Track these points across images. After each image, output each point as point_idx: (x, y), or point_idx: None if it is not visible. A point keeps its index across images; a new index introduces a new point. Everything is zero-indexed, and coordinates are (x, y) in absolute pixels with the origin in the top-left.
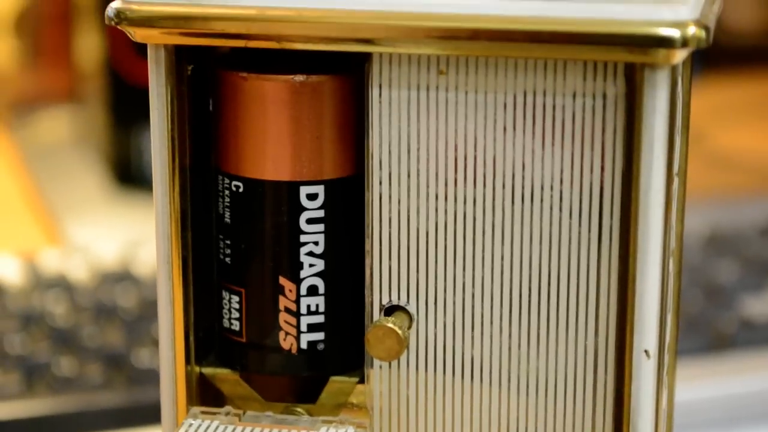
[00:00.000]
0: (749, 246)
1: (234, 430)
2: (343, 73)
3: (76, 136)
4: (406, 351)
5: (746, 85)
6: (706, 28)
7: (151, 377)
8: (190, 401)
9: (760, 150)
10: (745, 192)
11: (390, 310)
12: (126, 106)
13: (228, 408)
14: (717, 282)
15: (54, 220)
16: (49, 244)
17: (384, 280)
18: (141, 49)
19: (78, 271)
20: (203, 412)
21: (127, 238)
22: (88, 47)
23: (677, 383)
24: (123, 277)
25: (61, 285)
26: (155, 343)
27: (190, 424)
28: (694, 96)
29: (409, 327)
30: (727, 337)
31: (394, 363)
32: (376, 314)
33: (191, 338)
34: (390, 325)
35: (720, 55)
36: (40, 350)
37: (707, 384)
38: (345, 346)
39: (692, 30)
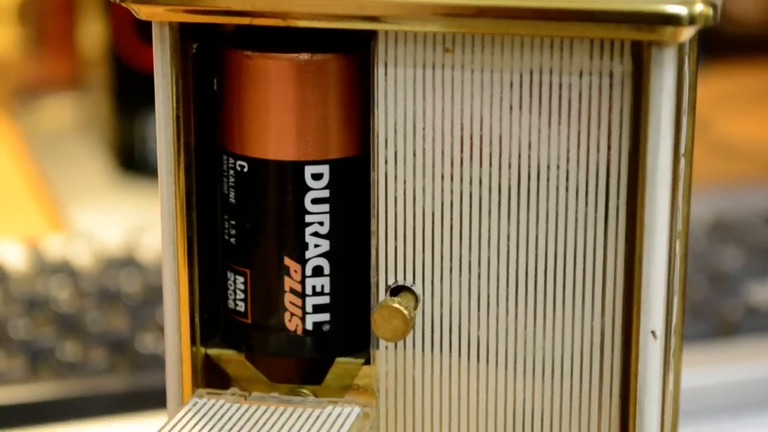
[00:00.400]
0: (754, 233)
1: (240, 407)
2: (349, 52)
3: (79, 123)
4: (412, 332)
5: (750, 73)
6: (714, 6)
7: (155, 362)
8: (196, 383)
9: (764, 138)
10: (749, 180)
11: (396, 291)
12: (129, 92)
13: (234, 389)
14: (722, 269)
15: (58, 206)
16: (53, 230)
17: (390, 261)
18: (144, 34)
19: (82, 256)
20: (209, 393)
21: (131, 224)
22: (91, 34)
23: (683, 370)
24: (127, 262)
25: (65, 270)
26: (159, 328)
27: (195, 403)
28: (699, 85)
29: (415, 307)
30: (731, 324)
31: (400, 344)
32: (382, 295)
33: (196, 319)
34: (396, 305)
35: (724, 43)
36: (44, 335)
37: (712, 370)
38: (350, 327)
39: (699, 7)
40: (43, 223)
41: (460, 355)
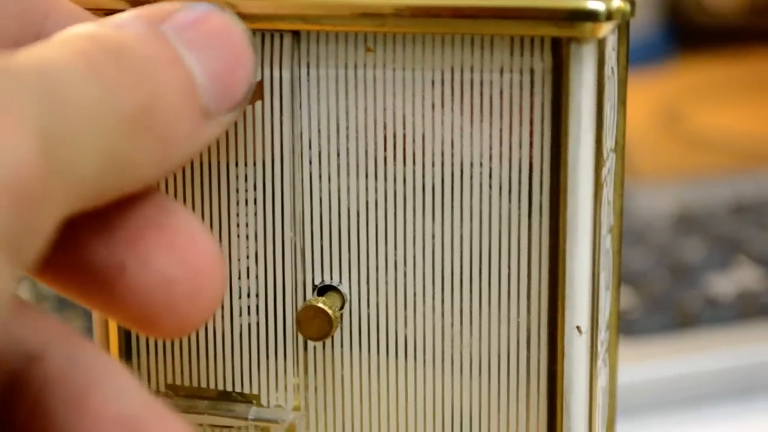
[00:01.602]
0: (718, 225)
1: None
2: None
3: None
4: (339, 331)
5: (723, 64)
6: (631, 2)
7: None
8: None
9: (736, 129)
10: (718, 171)
11: (323, 290)
12: None
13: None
14: (684, 260)
15: None
16: None
17: (316, 261)
18: None
19: None
20: None
21: None
22: None
23: (643, 362)
24: None
25: None
26: None
27: None
28: (672, 76)
29: (342, 307)
30: (691, 316)
31: (328, 343)
32: (309, 295)
33: None
34: (320, 305)
35: (698, 35)
36: None
37: (672, 362)
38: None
39: (616, 3)
40: None
41: (387, 354)
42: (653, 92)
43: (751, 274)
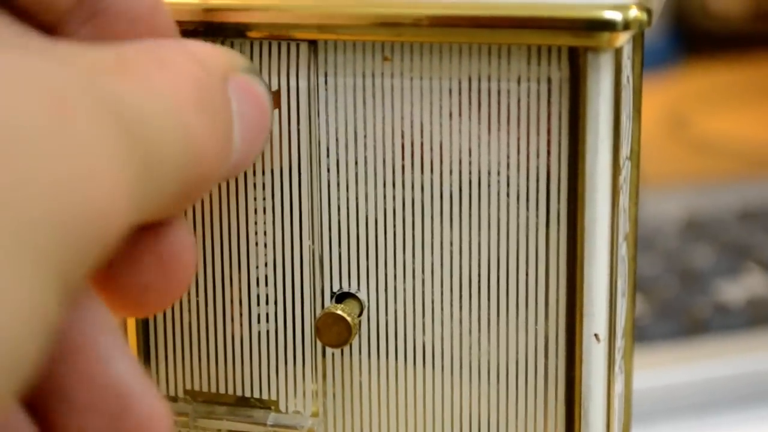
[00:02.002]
0: (726, 231)
1: None
2: None
3: None
4: (357, 338)
5: (730, 70)
6: (648, 11)
7: None
8: None
9: (743, 135)
10: (725, 177)
11: (341, 298)
12: None
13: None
14: (693, 267)
15: None
16: None
17: (334, 268)
18: None
19: None
20: None
21: None
22: None
23: (653, 368)
24: None
25: None
26: None
27: None
28: (678, 81)
29: (360, 314)
30: (701, 322)
31: (346, 350)
32: (327, 302)
33: None
34: (339, 312)
35: (704, 40)
36: None
37: (682, 368)
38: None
39: (634, 12)
40: None
41: (405, 361)
42: (660, 98)
43: (761, 281)
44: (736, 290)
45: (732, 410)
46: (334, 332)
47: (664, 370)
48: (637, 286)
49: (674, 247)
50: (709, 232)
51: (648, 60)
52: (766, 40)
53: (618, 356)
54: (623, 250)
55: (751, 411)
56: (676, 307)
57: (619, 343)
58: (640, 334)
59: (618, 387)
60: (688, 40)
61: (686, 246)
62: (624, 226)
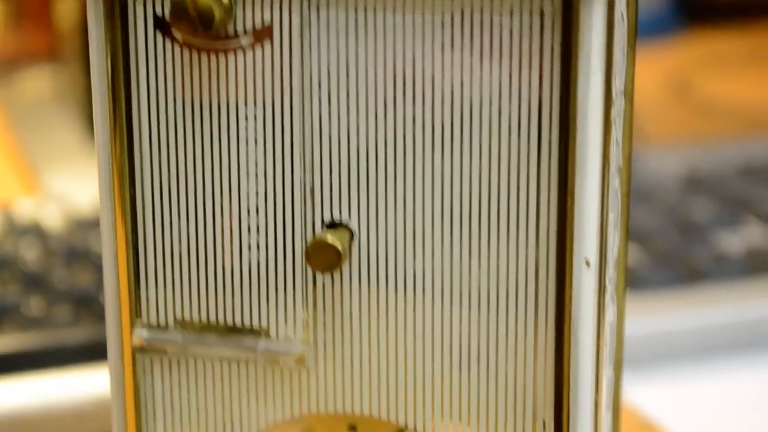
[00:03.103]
0: (726, 185)
1: None
2: None
3: (56, 93)
4: (348, 266)
5: (731, 38)
6: None
7: None
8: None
9: (743, 97)
10: (726, 136)
11: (331, 227)
12: None
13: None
14: (692, 219)
15: (33, 172)
16: (27, 194)
17: (325, 198)
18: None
19: (52, 218)
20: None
21: None
22: (68, 8)
23: (651, 315)
24: (97, 224)
25: (35, 232)
26: None
27: None
28: (681, 48)
29: (351, 242)
30: (699, 271)
31: (337, 279)
32: (318, 231)
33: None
34: (329, 237)
35: (705, 8)
36: (9, 292)
37: (680, 316)
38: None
39: None
40: (17, 188)
41: (396, 289)
42: (662, 64)
43: (760, 233)
44: (736, 241)
45: (729, 356)
46: (324, 257)
47: (663, 317)
48: (636, 237)
49: (674, 201)
50: (709, 187)
51: (651, 28)
52: (766, 8)
53: (610, 286)
54: (616, 182)
55: (749, 357)
56: (674, 256)
57: (611, 272)
58: (638, 283)
59: (609, 316)
60: (690, 8)
61: (686, 200)
62: (617, 158)
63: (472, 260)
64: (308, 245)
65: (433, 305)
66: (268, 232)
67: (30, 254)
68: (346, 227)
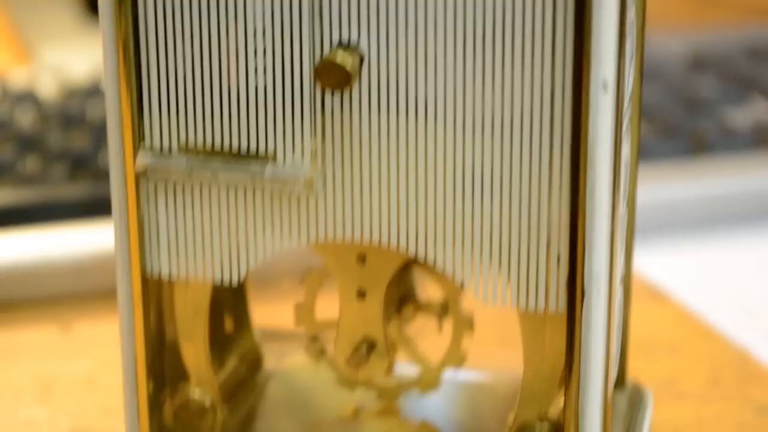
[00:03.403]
0: (733, 65)
1: None
2: None
3: None
4: (357, 92)
5: None
6: None
7: None
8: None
9: None
10: (732, 24)
11: (341, 48)
12: None
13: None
14: (698, 96)
15: (28, 46)
16: (21, 64)
17: (334, 17)
18: None
19: (47, 87)
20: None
21: (97, 60)
22: None
23: (657, 184)
24: (92, 92)
25: (31, 99)
26: None
27: None
28: None
29: (361, 64)
30: (706, 143)
31: (346, 105)
32: (326, 53)
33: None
34: (339, 56)
35: None
36: (4, 152)
37: (686, 185)
38: None
39: None
40: (11, 60)
41: (407, 115)
42: None
43: (766, 109)
44: (742, 115)
45: (734, 226)
46: (334, 75)
47: (668, 186)
48: (642, 110)
49: (681, 80)
50: (715, 66)
51: None
52: None
53: (625, 120)
54: (632, 13)
55: (753, 227)
56: (681, 129)
57: (626, 106)
58: (645, 154)
59: (624, 152)
60: None
61: (693, 78)
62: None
63: (486, 85)
64: (318, 64)
65: (445, 132)
66: (275, 55)
67: (25, 119)
68: (356, 48)
